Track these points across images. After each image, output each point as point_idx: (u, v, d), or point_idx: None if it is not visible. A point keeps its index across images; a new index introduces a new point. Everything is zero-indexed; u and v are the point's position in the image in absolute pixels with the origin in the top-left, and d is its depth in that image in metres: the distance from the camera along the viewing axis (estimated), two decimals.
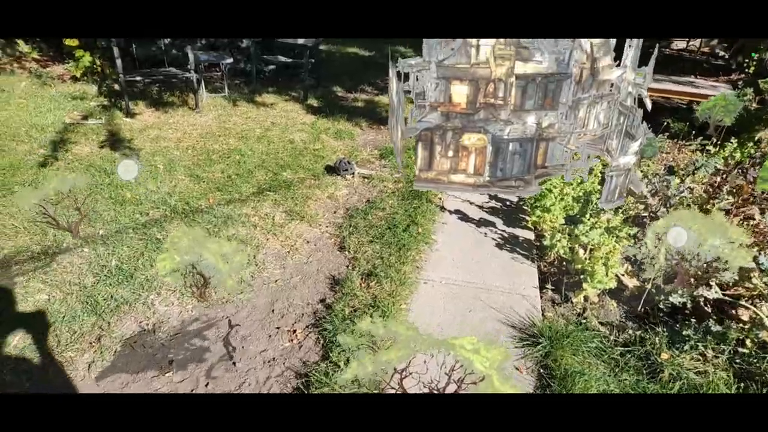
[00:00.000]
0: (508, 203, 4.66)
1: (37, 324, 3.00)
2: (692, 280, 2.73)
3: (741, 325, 2.86)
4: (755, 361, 2.73)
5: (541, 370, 2.79)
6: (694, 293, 3.06)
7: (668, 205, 3.52)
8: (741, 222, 3.51)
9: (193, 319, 3.17)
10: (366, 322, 1.76)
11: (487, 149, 3.04)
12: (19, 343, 2.87)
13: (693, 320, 3.19)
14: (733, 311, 3.14)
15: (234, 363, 2.87)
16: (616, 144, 3.14)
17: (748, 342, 2.79)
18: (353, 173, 5.22)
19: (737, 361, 2.74)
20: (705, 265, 2.61)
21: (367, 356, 1.55)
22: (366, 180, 5.23)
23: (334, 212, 4.60)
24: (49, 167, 5.01)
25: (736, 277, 2.61)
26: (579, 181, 4.06)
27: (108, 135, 6.07)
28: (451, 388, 1.76)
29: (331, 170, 5.35)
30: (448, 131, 2.96)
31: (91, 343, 2.96)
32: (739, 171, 3.68)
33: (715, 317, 3.12)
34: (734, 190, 3.47)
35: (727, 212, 3.59)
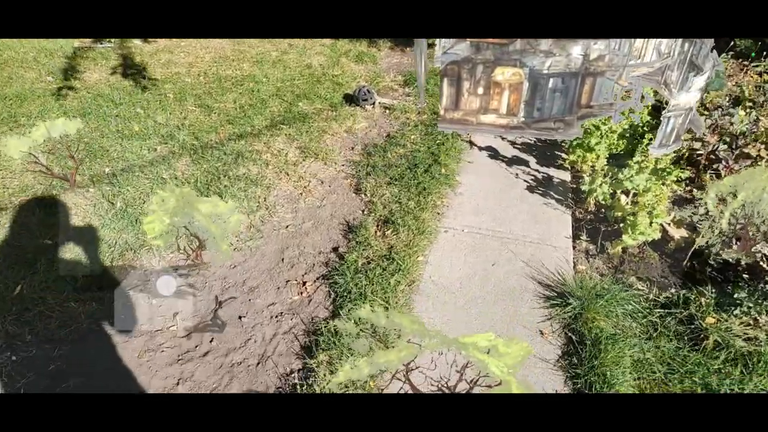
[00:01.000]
0: (543, 138, 4.21)
1: (40, 271, 2.89)
2: (757, 245, 2.36)
3: None
4: None
5: (569, 334, 2.55)
6: (753, 249, 2.70)
7: (733, 145, 3.05)
8: None
9: (200, 268, 3.01)
10: (366, 311, 1.51)
11: (523, 86, 2.58)
12: (21, 291, 2.78)
13: (746, 277, 2.85)
14: None
15: (240, 317, 2.73)
16: (677, 77, 2.61)
17: None
18: (374, 103, 4.81)
19: None
20: None
21: (361, 358, 1.32)
22: (387, 111, 4.82)
23: (352, 148, 4.26)
24: (57, 97, 4.79)
25: None
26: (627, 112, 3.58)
27: (118, 60, 5.75)
28: (462, 387, 1.54)
29: (350, 99, 4.94)
30: (478, 65, 2.52)
31: (94, 293, 2.85)
32: None
33: None
34: None
35: None
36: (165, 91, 5.08)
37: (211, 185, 3.68)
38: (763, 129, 3.56)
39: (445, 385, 1.59)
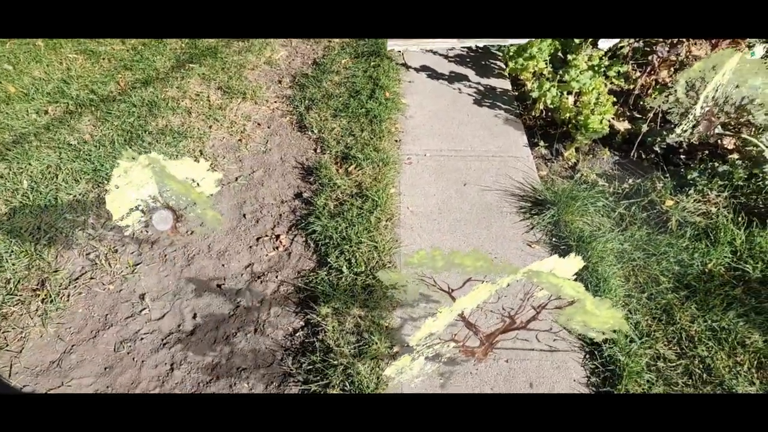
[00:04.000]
0: (473, 47, 4.14)
1: None
2: (719, 126, 2.54)
3: (741, 160, 2.79)
4: (753, 195, 2.71)
5: (554, 240, 2.65)
6: (686, 134, 2.92)
7: None
8: (729, 44, 3.28)
9: (152, 240, 2.68)
10: (420, 255, 1.41)
11: None
12: None
13: (683, 158, 3.11)
14: (723, 144, 3.07)
15: (219, 286, 2.50)
16: None
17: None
18: None
19: (740, 198, 2.71)
20: (736, 108, 2.39)
21: (444, 309, 1.24)
22: None
23: (279, 82, 3.90)
24: None
25: None
26: None
27: None
28: (527, 315, 1.53)
29: None
30: None
31: (34, 290, 2.44)
32: None
33: (707, 152, 3.05)
34: None
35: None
36: (30, 39, 4.23)
37: (132, 145, 3.21)
38: None
39: (509, 315, 1.58)
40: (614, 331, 1.39)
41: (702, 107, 2.41)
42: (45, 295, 2.42)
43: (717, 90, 2.32)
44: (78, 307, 2.40)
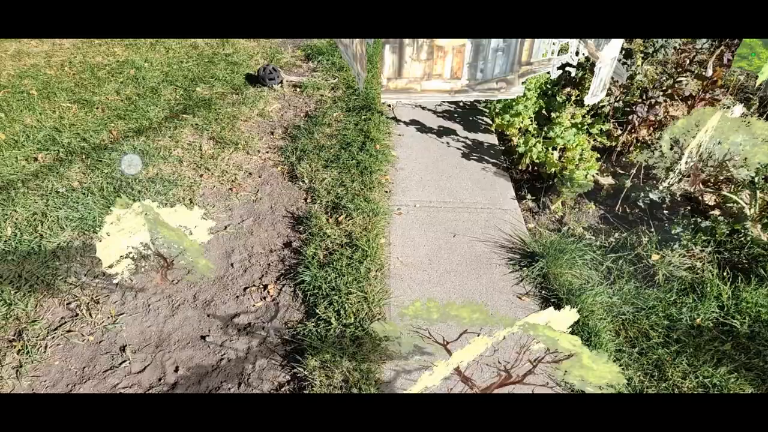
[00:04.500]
0: (461, 104, 4.27)
1: None
2: (704, 180, 2.61)
3: (722, 216, 2.86)
4: (735, 250, 2.76)
5: (543, 293, 2.65)
6: (673, 187, 3.00)
7: (643, 97, 3.33)
8: (706, 104, 3.43)
9: (136, 290, 2.62)
10: (416, 307, 1.40)
11: (467, 48, 2.56)
12: None
13: (666, 213, 3.18)
14: (705, 200, 3.16)
15: (203, 337, 2.43)
16: None
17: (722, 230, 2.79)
18: (281, 82, 4.50)
19: (723, 253, 2.76)
20: (720, 163, 2.47)
21: (440, 363, 1.22)
22: (297, 89, 4.54)
23: (271, 133, 3.96)
24: None
25: (753, 174, 2.51)
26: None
27: None
28: (523, 369, 1.50)
29: (254, 80, 4.57)
30: None
31: (10, 341, 2.35)
32: (712, 51, 3.49)
33: (689, 208, 3.12)
34: (702, 73, 3.33)
35: (691, 97, 3.49)
36: (24, 87, 4.28)
37: (121, 193, 3.19)
38: (650, 77, 3.93)
39: (504, 369, 1.55)
40: (610, 386, 1.37)
41: (687, 162, 2.50)
42: (21, 346, 2.33)
43: (701, 146, 2.41)
44: (55, 359, 2.31)
